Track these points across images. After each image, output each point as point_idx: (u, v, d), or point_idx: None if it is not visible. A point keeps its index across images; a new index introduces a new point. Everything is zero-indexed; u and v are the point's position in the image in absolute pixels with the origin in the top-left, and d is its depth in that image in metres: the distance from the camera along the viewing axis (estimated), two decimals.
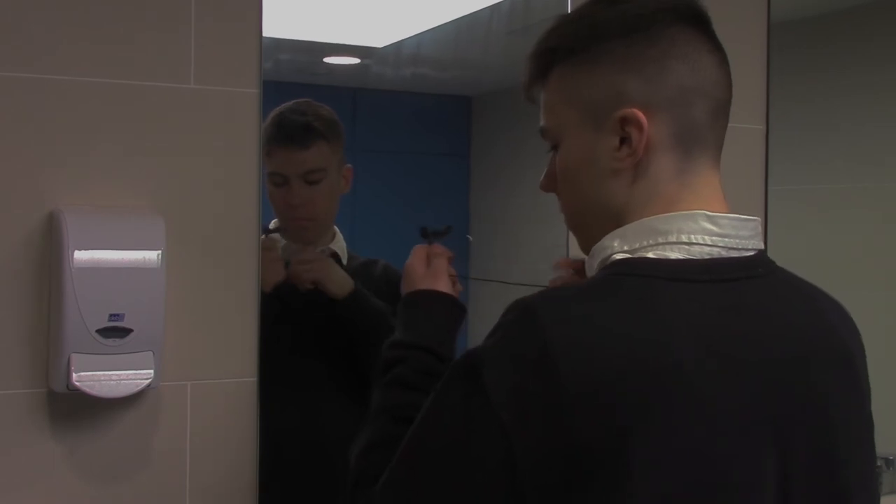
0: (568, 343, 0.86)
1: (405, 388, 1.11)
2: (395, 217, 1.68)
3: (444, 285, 1.25)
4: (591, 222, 1.01)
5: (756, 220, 0.99)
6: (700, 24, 0.99)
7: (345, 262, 1.61)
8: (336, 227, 1.62)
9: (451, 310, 1.24)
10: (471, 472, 0.87)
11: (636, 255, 0.95)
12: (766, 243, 1.02)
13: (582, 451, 0.83)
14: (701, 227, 0.95)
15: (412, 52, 1.67)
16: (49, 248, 1.34)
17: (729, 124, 1.02)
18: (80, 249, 1.29)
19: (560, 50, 1.01)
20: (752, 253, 0.98)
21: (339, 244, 1.62)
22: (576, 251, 1.65)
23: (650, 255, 0.94)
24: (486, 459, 0.86)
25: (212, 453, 1.44)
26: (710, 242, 0.95)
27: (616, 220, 0.98)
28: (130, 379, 1.32)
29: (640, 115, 0.95)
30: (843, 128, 2.09)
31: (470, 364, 0.90)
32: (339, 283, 1.57)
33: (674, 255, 0.94)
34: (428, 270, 1.26)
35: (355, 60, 1.66)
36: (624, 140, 0.96)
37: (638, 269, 0.93)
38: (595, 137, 0.98)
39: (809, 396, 0.94)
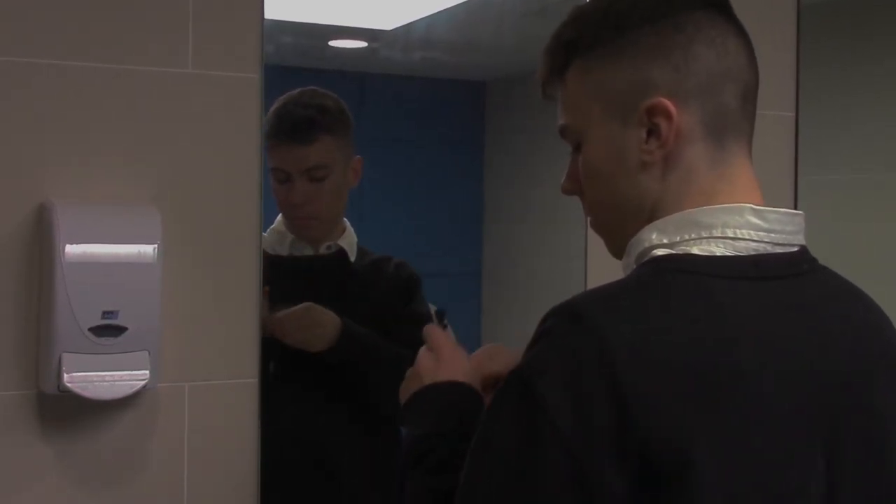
0: (624, 341, 0.85)
1: (453, 470, 1.03)
2: (405, 211, 1.67)
3: (479, 386, 1.19)
4: (623, 221, 1.00)
5: (801, 215, 0.99)
6: (722, 7, 0.99)
7: (353, 258, 1.60)
8: (346, 222, 1.61)
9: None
10: (537, 491, 0.85)
11: (678, 250, 0.94)
12: None
13: (645, 452, 0.83)
14: (747, 221, 0.94)
15: (422, 35, 1.66)
16: (39, 243, 1.32)
17: (756, 111, 1.01)
18: (71, 243, 1.27)
19: (580, 43, 1.00)
20: (795, 249, 0.98)
21: (349, 240, 1.61)
22: (594, 248, 1.64)
23: (694, 250, 0.93)
24: (551, 475, 0.85)
25: (211, 458, 1.43)
26: (756, 238, 0.94)
27: (650, 215, 0.97)
28: (125, 380, 1.30)
29: (668, 104, 0.94)
30: (856, 120, 2.11)
31: (518, 379, 0.88)
32: (323, 339, 1.53)
33: (719, 250, 0.93)
34: (471, 366, 1.17)
35: (362, 44, 1.66)
36: (652, 131, 0.96)
37: (684, 265, 0.92)
38: (621, 131, 0.97)
39: (863, 399, 0.95)
